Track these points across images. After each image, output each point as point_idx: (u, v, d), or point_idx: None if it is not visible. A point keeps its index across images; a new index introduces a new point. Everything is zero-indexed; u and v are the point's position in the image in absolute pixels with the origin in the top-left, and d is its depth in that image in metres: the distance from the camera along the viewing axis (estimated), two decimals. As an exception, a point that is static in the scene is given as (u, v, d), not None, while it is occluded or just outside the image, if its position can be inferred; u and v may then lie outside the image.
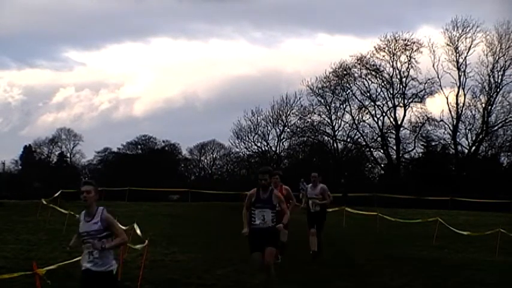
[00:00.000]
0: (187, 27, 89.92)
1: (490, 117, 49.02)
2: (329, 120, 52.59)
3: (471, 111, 49.73)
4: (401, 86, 51.34)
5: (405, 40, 50.99)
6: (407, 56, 50.99)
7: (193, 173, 61.93)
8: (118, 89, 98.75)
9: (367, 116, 52.23)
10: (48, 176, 56.27)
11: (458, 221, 24.64)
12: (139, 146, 61.12)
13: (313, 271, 12.36)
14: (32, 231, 20.28)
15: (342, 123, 52.59)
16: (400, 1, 77.09)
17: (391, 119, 51.72)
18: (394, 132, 51.86)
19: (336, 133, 52.75)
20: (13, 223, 22.65)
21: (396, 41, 51.10)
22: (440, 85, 50.26)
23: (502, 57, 48.18)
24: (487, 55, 48.38)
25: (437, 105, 57.15)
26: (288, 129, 53.76)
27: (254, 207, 9.15)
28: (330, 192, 13.96)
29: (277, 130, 54.05)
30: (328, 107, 52.40)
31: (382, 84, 51.75)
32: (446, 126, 50.15)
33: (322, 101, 52.34)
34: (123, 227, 15.54)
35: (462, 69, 49.30)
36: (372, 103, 51.93)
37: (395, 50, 51.24)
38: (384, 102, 51.86)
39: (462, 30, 49.06)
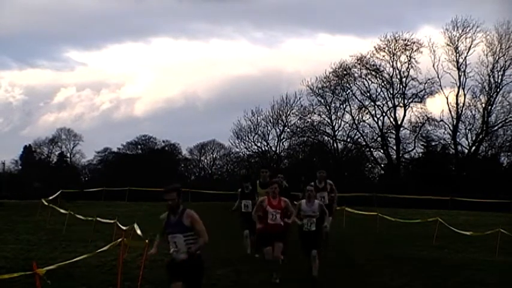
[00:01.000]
0: (188, 27, 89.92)
1: (490, 117, 49.00)
2: (329, 120, 52.61)
3: (471, 111, 49.74)
4: (401, 86, 51.35)
5: (405, 40, 50.99)
6: (407, 56, 51.00)
7: (193, 173, 61.93)
8: (119, 89, 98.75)
9: (367, 116, 52.24)
10: (48, 176, 56.26)
11: (458, 221, 24.63)
12: (139, 146, 61.11)
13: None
14: (32, 231, 20.29)
15: (342, 123, 52.61)
16: (401, 1, 77.02)
17: (391, 119, 51.75)
18: (394, 132, 51.83)
19: (336, 133, 52.76)
20: (13, 223, 22.66)
21: (396, 41, 51.13)
22: (440, 85, 50.25)
23: (502, 57, 48.15)
24: (487, 55, 48.39)
25: (437, 105, 57.07)
26: (288, 129, 53.76)
27: (166, 233, 8.02)
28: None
29: (277, 130, 54.07)
30: (328, 107, 52.43)
31: (382, 84, 51.77)
32: (446, 126, 50.17)
33: (322, 101, 52.37)
34: (123, 227, 15.58)
35: (462, 69, 49.29)
36: (372, 103, 51.95)
37: (395, 50, 51.25)
38: (383, 102, 51.86)
39: (462, 30, 49.06)
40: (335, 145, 53.49)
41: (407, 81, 50.99)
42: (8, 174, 59.58)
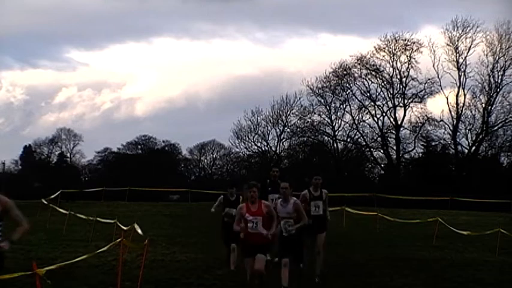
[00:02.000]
0: (191, 27, 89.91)
1: (490, 117, 49.04)
2: (329, 120, 52.63)
3: (471, 111, 49.77)
4: (401, 86, 51.38)
5: (405, 40, 51.03)
6: (407, 56, 51.03)
7: (193, 173, 61.94)
8: (120, 89, 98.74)
9: (367, 116, 52.29)
10: (48, 176, 56.21)
11: (458, 221, 24.63)
12: (139, 146, 61.13)
13: (313, 271, 12.34)
14: (32, 231, 20.25)
15: (342, 123, 52.65)
16: (405, 1, 76.99)
17: (391, 119, 51.77)
18: (394, 132, 51.85)
19: (336, 133, 52.78)
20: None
21: (396, 41, 51.16)
22: (440, 85, 50.31)
23: (502, 57, 48.21)
24: (487, 55, 48.43)
25: (438, 105, 57.22)
26: (288, 129, 53.80)
27: None
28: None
29: (277, 130, 54.09)
30: (328, 107, 52.46)
31: (382, 84, 51.80)
32: (446, 126, 50.21)
33: (322, 101, 52.40)
34: (123, 227, 15.59)
35: (462, 69, 49.34)
36: (372, 103, 51.97)
37: (395, 50, 51.28)
38: (384, 102, 51.90)
39: (462, 30, 49.12)
40: (335, 145, 53.56)
41: (407, 81, 51.11)
42: (8, 174, 59.58)
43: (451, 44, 49.33)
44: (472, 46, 48.81)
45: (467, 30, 48.88)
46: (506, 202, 33.75)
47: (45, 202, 25.88)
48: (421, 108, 51.09)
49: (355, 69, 52.06)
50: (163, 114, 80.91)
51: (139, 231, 14.80)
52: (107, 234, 17.57)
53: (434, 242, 18.03)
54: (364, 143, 52.93)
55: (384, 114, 51.68)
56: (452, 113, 49.74)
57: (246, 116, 53.67)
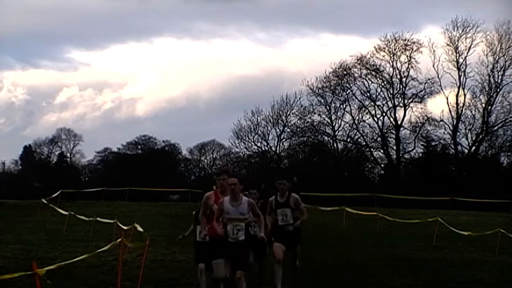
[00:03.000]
0: (191, 27, 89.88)
1: (490, 117, 49.08)
2: (329, 120, 52.66)
3: (471, 111, 49.82)
4: (401, 86, 51.41)
5: (405, 40, 51.06)
6: (407, 56, 51.06)
7: (193, 173, 61.95)
8: (121, 89, 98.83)
9: (367, 116, 52.32)
10: (48, 176, 56.23)
11: (458, 221, 24.65)
12: (139, 146, 61.14)
13: (313, 271, 12.36)
14: (32, 231, 20.30)
15: (342, 123, 52.69)
16: (406, 1, 77.00)
17: (391, 119, 51.79)
18: (394, 132, 51.87)
19: (336, 133, 52.83)
20: (13, 223, 22.67)
21: (396, 41, 51.18)
22: (440, 85, 50.35)
23: (502, 57, 48.26)
24: (487, 55, 48.47)
25: (438, 105, 57.15)
26: (288, 129, 53.84)
27: None
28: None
29: (277, 130, 54.12)
30: (328, 107, 52.49)
31: (382, 84, 51.82)
32: (446, 126, 50.24)
33: (322, 101, 52.44)
34: (123, 227, 15.59)
35: (462, 69, 49.39)
36: (372, 103, 52.00)
37: (395, 50, 51.31)
38: (384, 102, 51.94)
39: (462, 31, 49.16)
40: (335, 145, 53.59)
41: (407, 81, 51.14)
42: (8, 174, 59.59)
43: (451, 44, 49.43)
44: (472, 46, 48.94)
45: (467, 30, 49.00)
46: (506, 202, 33.79)
47: (45, 202, 25.89)
48: (421, 108, 51.22)
49: (355, 69, 52.19)
50: (164, 114, 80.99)
51: (140, 228, 14.80)
52: (107, 234, 17.57)
53: (434, 242, 18.03)
54: (364, 143, 52.97)
55: (384, 114, 51.78)
56: (452, 113, 49.85)
57: (246, 116, 53.80)
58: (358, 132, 52.52)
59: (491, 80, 48.43)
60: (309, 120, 52.86)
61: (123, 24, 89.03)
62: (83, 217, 20.33)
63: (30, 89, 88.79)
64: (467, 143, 49.95)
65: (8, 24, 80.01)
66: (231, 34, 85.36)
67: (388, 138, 52.10)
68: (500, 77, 48.35)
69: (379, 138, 52.15)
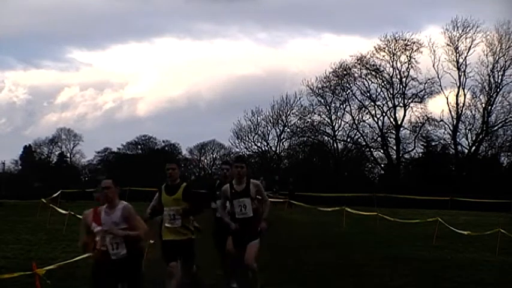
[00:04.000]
0: (193, 27, 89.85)
1: (490, 117, 49.01)
2: (329, 120, 52.62)
3: (471, 111, 49.75)
4: (401, 86, 51.35)
5: (405, 40, 50.95)
6: (407, 56, 50.98)
7: (193, 173, 61.96)
8: (122, 89, 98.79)
9: (367, 116, 52.25)
10: (48, 176, 56.26)
11: (458, 221, 24.66)
12: (139, 146, 61.17)
13: (313, 271, 12.36)
14: (32, 231, 20.29)
15: (342, 123, 52.64)
16: (408, 1, 76.93)
17: (391, 119, 51.76)
18: (394, 132, 51.84)
19: (336, 133, 52.77)
20: (13, 223, 22.67)
21: (396, 41, 51.12)
22: (440, 85, 50.28)
23: (502, 57, 48.15)
24: (487, 55, 48.40)
25: (438, 105, 57.08)
26: (288, 129, 53.83)
27: None
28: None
29: (277, 130, 54.13)
30: (328, 107, 52.45)
31: (382, 84, 51.78)
32: (446, 126, 50.19)
33: (322, 101, 52.39)
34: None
35: (462, 69, 49.29)
36: (372, 103, 51.95)
37: (395, 50, 51.23)
38: (384, 102, 51.87)
39: (462, 30, 49.04)
40: (335, 145, 53.56)
41: (407, 81, 51.08)
42: (8, 174, 59.61)
43: (451, 44, 49.37)
44: (472, 46, 48.84)
45: (467, 30, 48.89)
46: (506, 202, 33.81)
47: (45, 201, 25.87)
48: (421, 108, 51.16)
49: (355, 69, 52.12)
50: (164, 114, 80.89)
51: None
52: (107, 234, 17.53)
53: (434, 242, 18.02)
54: (364, 143, 52.96)
55: (384, 114, 51.75)
56: (452, 113, 49.81)
57: (246, 116, 53.83)
58: (358, 132, 52.54)
59: (491, 80, 48.44)
60: (309, 120, 52.90)
61: (124, 24, 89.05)
62: (81, 217, 20.30)
63: (31, 89, 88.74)
64: (467, 143, 50.00)
65: (9, 25, 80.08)
66: (232, 34, 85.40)
67: (388, 138, 52.12)
68: (500, 77, 48.36)
69: (379, 138, 52.16)
